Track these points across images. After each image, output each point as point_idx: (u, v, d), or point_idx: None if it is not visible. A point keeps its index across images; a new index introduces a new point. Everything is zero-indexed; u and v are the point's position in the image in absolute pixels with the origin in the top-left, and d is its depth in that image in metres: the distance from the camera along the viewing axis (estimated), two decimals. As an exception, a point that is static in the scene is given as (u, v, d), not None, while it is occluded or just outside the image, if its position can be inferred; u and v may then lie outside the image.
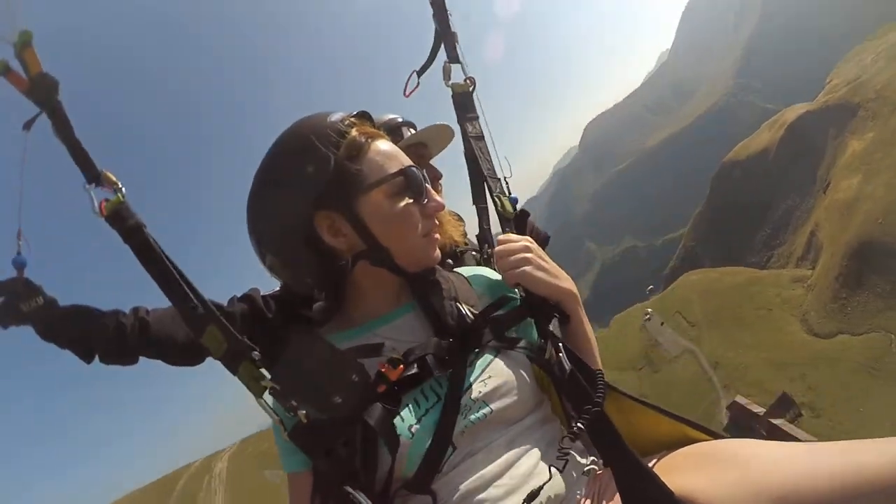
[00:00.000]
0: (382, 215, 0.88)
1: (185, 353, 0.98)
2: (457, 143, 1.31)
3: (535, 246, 0.98)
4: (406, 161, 0.93)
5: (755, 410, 43.74)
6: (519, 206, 1.12)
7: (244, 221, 0.93)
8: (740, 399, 46.00)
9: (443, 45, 1.19)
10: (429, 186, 0.93)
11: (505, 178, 1.15)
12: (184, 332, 0.95)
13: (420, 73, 1.20)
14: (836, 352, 48.02)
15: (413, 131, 1.58)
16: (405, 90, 1.20)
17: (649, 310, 77.23)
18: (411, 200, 0.90)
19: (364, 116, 0.94)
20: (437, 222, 0.96)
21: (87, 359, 0.89)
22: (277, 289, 1.11)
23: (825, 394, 44.12)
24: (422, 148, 1.54)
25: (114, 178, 0.84)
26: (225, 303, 1.03)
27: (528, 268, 0.93)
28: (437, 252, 0.95)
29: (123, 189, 0.84)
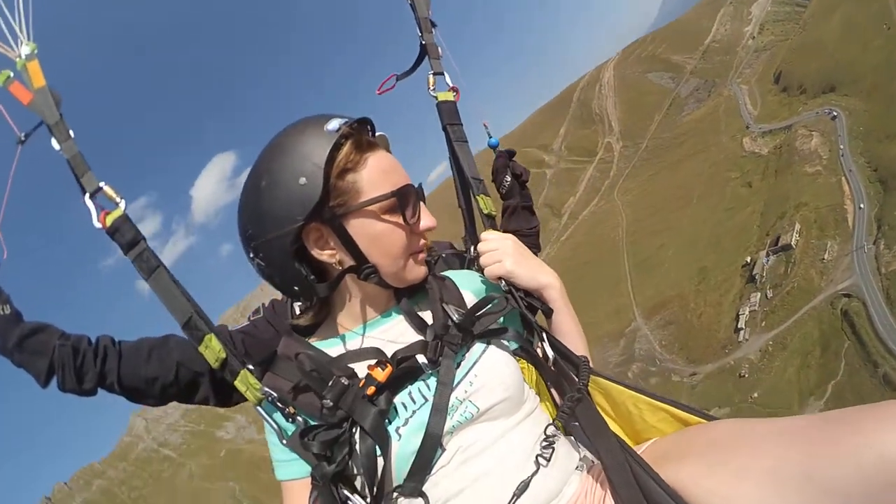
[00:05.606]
0: (371, 233, 0.88)
1: (146, 389, 0.98)
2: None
3: (515, 241, 1.03)
4: (402, 178, 0.92)
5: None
6: None
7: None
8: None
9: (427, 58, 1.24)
10: (422, 204, 0.94)
11: (485, 124, 1.27)
12: (150, 367, 0.97)
13: (399, 78, 1.25)
14: None
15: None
16: (379, 88, 1.21)
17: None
18: (402, 219, 0.89)
19: (364, 123, 0.93)
20: (426, 241, 0.97)
21: (44, 381, 0.88)
22: (245, 323, 1.19)
23: None
24: None
25: (113, 192, 0.86)
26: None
27: (507, 262, 0.97)
28: (425, 269, 0.98)
29: (123, 202, 0.86)
